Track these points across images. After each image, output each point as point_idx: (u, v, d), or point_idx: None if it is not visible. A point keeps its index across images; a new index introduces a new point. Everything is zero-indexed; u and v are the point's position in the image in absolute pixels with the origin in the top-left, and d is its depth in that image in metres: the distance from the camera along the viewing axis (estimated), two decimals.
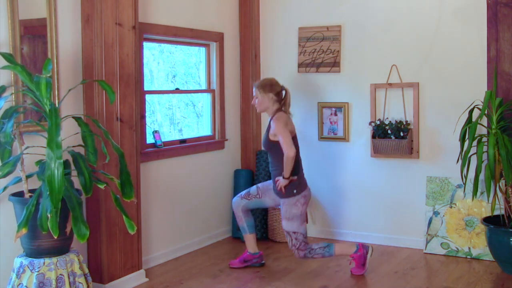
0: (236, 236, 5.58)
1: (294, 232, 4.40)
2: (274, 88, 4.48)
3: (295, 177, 4.37)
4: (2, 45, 3.58)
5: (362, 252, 4.50)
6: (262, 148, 4.65)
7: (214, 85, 5.55)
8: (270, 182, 4.64)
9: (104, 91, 3.90)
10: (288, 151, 4.23)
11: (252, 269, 4.70)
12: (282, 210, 4.46)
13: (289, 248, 4.49)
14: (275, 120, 4.39)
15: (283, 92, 4.52)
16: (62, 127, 3.44)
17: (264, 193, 4.65)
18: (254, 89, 4.54)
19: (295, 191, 4.38)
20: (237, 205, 4.71)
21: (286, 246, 5.31)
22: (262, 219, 5.53)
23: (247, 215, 4.72)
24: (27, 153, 3.54)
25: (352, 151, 5.43)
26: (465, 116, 4.69)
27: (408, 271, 4.61)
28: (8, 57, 3.39)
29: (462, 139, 4.58)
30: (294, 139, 4.42)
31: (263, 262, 4.80)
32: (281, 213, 4.47)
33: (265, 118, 5.78)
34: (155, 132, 4.88)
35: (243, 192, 4.75)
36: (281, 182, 4.35)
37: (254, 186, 4.73)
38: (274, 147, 4.39)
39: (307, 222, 5.54)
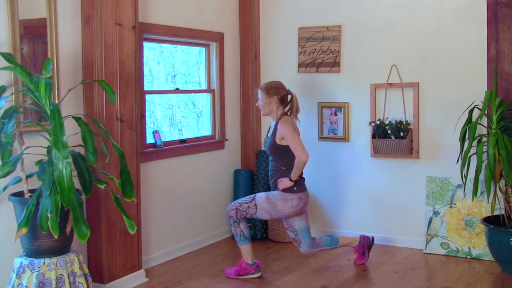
0: None
1: (255, 205, 4.35)
2: (279, 92, 4.44)
3: (298, 178, 4.37)
4: (2, 45, 3.58)
5: (247, 268, 4.48)
6: (265, 150, 4.56)
7: (214, 85, 5.55)
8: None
9: (104, 91, 3.90)
10: (302, 156, 4.22)
11: None
12: (272, 193, 4.40)
13: (233, 203, 4.45)
14: (283, 124, 4.33)
15: (289, 97, 4.49)
16: None
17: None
18: (259, 92, 4.50)
19: (295, 188, 4.36)
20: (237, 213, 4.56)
21: (286, 246, 5.31)
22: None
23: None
24: (27, 153, 3.54)
25: (352, 151, 5.43)
26: (465, 116, 4.69)
27: (408, 271, 4.61)
28: (8, 57, 3.39)
29: (462, 139, 4.58)
30: None
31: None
32: (264, 193, 4.42)
33: (265, 118, 5.79)
34: (155, 132, 4.88)
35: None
36: (286, 183, 4.34)
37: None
38: (282, 151, 4.36)
39: None
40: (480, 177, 4.58)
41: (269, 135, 4.51)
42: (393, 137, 5.04)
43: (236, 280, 4.46)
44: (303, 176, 4.46)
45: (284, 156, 4.36)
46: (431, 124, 5.08)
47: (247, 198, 4.45)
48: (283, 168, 4.39)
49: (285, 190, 4.36)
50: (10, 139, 3.32)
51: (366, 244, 4.77)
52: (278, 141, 4.36)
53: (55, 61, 3.89)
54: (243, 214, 4.40)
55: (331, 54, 5.44)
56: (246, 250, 4.48)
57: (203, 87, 5.58)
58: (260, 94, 4.48)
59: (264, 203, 4.38)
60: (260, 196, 4.43)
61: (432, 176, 5.08)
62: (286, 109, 4.49)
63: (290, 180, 4.32)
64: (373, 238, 4.84)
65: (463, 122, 4.68)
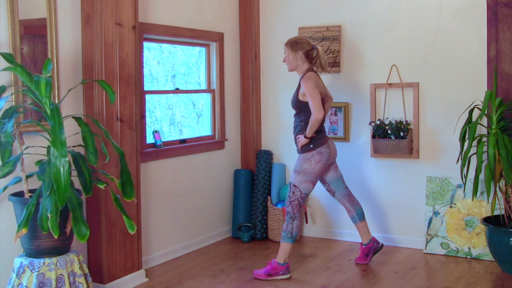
0: (236, 236, 5.59)
1: (295, 186, 4.43)
2: (304, 46, 4.45)
3: (315, 135, 4.40)
4: (2, 45, 3.58)
5: (277, 268, 4.47)
6: (291, 106, 4.60)
7: (214, 85, 5.55)
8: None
9: (104, 91, 3.90)
10: (317, 114, 4.25)
11: (251, 269, 4.70)
12: (295, 163, 4.50)
13: (286, 199, 4.50)
14: (305, 80, 4.35)
15: (314, 52, 4.49)
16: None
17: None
18: (284, 48, 4.52)
19: (311, 146, 4.40)
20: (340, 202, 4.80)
21: None
22: (262, 219, 5.53)
23: (352, 204, 4.78)
24: (27, 153, 3.54)
25: (352, 151, 5.43)
26: (465, 116, 4.69)
27: (408, 271, 4.61)
28: (8, 57, 3.39)
29: (462, 139, 4.58)
30: (323, 99, 4.42)
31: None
32: (294, 165, 4.50)
33: (265, 118, 5.79)
34: (155, 132, 4.88)
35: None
36: (302, 140, 4.39)
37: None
38: (303, 107, 4.41)
39: (306, 222, 5.55)
40: (480, 177, 4.58)
41: (294, 91, 4.54)
42: (393, 137, 5.04)
43: (236, 280, 4.46)
44: (325, 133, 4.50)
45: (304, 112, 4.41)
46: (431, 124, 5.08)
47: (288, 192, 4.50)
48: (302, 123, 4.44)
49: (304, 149, 4.42)
50: (10, 139, 3.32)
51: (373, 247, 4.75)
52: (300, 97, 4.41)
53: (55, 61, 3.89)
54: (295, 203, 4.43)
55: (331, 54, 5.44)
56: (285, 248, 4.46)
57: (203, 87, 5.58)
58: (285, 50, 4.50)
59: (298, 178, 4.43)
60: (292, 176, 4.48)
61: (432, 176, 5.08)
62: (311, 64, 4.48)
63: (305, 137, 4.37)
64: (382, 245, 4.80)
65: (463, 122, 4.68)
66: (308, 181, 4.45)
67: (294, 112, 4.57)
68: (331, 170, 4.66)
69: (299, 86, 4.44)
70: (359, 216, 4.75)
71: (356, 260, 4.81)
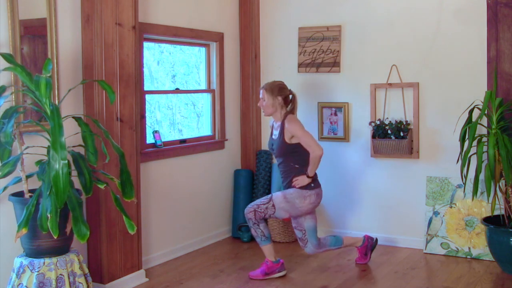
0: (236, 236, 5.59)
1: (273, 206, 4.33)
2: (283, 92, 4.46)
3: (314, 176, 4.39)
4: (2, 45, 3.58)
5: (273, 266, 4.48)
6: (272, 153, 4.54)
7: (214, 85, 5.55)
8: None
9: (104, 91, 3.90)
10: (317, 150, 4.25)
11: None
12: (289, 191, 4.37)
13: (251, 204, 4.42)
14: (291, 123, 4.34)
15: (290, 96, 4.50)
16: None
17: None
18: (261, 92, 4.49)
19: (312, 185, 4.38)
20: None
21: (286, 246, 5.31)
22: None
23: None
24: (27, 153, 3.54)
25: (352, 151, 5.43)
26: (465, 116, 4.69)
27: (408, 271, 4.61)
28: (8, 57, 3.39)
29: (462, 139, 4.58)
30: None
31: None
32: (280, 193, 4.38)
33: (265, 118, 5.78)
34: (155, 132, 4.88)
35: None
36: (302, 180, 4.33)
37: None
38: (293, 150, 4.36)
39: None
40: (480, 177, 4.58)
41: (274, 137, 4.48)
42: (393, 137, 5.04)
43: (236, 280, 4.46)
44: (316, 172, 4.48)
45: (296, 154, 4.36)
46: (431, 124, 5.08)
47: (264, 199, 4.44)
48: (297, 166, 4.38)
49: (302, 187, 4.37)
50: (9, 139, 3.32)
51: (369, 245, 4.77)
52: (288, 140, 4.36)
53: (55, 61, 3.89)
54: (261, 215, 4.40)
55: (331, 54, 5.44)
56: (268, 249, 4.48)
57: (203, 87, 5.58)
58: (262, 94, 4.47)
59: (282, 203, 4.37)
60: (277, 195, 4.41)
61: (432, 176, 5.08)
62: (288, 109, 4.49)
63: (308, 177, 4.33)
64: (376, 240, 4.83)
65: (463, 122, 4.68)
66: (289, 212, 4.39)
67: None
68: (313, 216, 4.50)
69: (282, 131, 4.37)
70: (339, 242, 4.64)
71: (357, 260, 4.81)
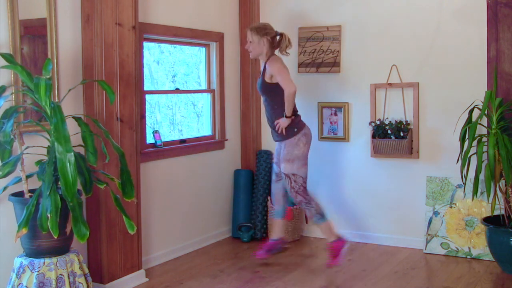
0: (236, 236, 5.59)
1: (294, 174, 4.42)
2: (269, 32, 4.53)
3: (293, 116, 4.39)
4: (2, 45, 3.58)
5: (338, 244, 4.52)
6: (258, 91, 4.67)
7: (214, 85, 5.55)
8: (277, 148, 4.66)
9: (104, 91, 3.90)
10: (289, 87, 4.27)
11: (252, 269, 4.70)
12: (283, 152, 4.47)
13: (289, 191, 4.49)
14: (271, 62, 4.41)
15: (277, 38, 4.55)
16: None
17: (279, 160, 4.65)
18: (248, 33, 4.56)
19: (295, 129, 4.42)
20: (278, 191, 4.74)
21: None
22: (262, 219, 5.53)
23: (285, 200, 4.75)
24: (27, 153, 3.54)
25: (352, 151, 5.43)
26: (465, 116, 4.69)
27: (408, 271, 4.61)
28: (8, 57, 3.40)
29: (462, 139, 4.58)
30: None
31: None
32: (282, 155, 4.47)
33: (265, 118, 5.78)
34: (155, 132, 4.88)
35: (272, 176, 4.80)
36: (283, 122, 4.39)
37: (273, 164, 4.78)
38: (272, 89, 4.42)
39: (306, 222, 5.55)
40: (480, 177, 4.58)
41: (260, 77, 4.59)
42: (393, 137, 5.04)
43: (236, 280, 4.46)
44: (298, 113, 4.51)
45: (275, 94, 4.42)
46: (431, 124, 5.08)
47: (287, 181, 4.46)
48: (276, 106, 4.44)
49: (288, 134, 4.40)
50: (9, 139, 3.32)
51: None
52: (268, 80, 4.44)
53: (55, 61, 3.89)
54: (302, 189, 4.42)
55: (331, 54, 5.44)
56: (327, 227, 4.54)
57: (203, 87, 5.58)
58: (249, 36, 4.53)
59: (293, 165, 4.42)
60: (285, 167, 4.44)
61: (432, 176, 5.08)
62: (276, 50, 4.56)
63: (286, 117, 4.36)
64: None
65: (463, 122, 4.68)
66: (304, 164, 4.46)
67: None
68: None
69: (264, 70, 4.48)
70: (282, 213, 4.80)
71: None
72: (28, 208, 3.25)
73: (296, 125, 4.41)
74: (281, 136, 4.45)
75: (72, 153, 3.14)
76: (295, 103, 4.49)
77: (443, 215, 5.01)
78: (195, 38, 5.26)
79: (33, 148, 3.58)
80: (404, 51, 5.16)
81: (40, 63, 3.80)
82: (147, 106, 4.92)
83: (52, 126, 3.20)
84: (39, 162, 3.50)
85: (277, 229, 4.86)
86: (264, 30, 4.51)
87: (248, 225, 5.51)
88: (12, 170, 3.39)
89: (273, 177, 4.86)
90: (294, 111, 4.43)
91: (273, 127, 4.54)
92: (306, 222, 5.55)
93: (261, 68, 4.58)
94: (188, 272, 4.65)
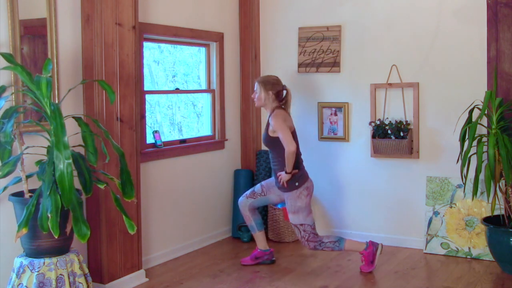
0: (236, 236, 5.58)
1: (301, 225, 4.49)
2: (275, 87, 4.56)
3: (297, 171, 4.44)
4: (2, 45, 3.58)
5: (371, 249, 4.57)
6: (263, 144, 4.69)
7: (214, 85, 5.55)
8: (272, 179, 4.71)
9: (104, 91, 3.90)
10: (289, 147, 4.33)
11: (252, 269, 4.71)
12: (287, 204, 4.54)
13: (300, 240, 4.56)
14: (273, 117, 4.47)
15: (284, 92, 4.59)
16: None
17: (268, 190, 4.71)
18: (256, 84, 4.60)
19: (297, 183, 4.46)
20: (243, 205, 4.76)
21: (286, 246, 5.32)
22: (262, 219, 5.52)
23: (254, 214, 4.77)
24: (27, 153, 3.54)
25: (352, 151, 5.43)
26: (465, 116, 4.69)
27: (408, 271, 4.61)
28: (8, 57, 3.39)
29: (462, 139, 4.58)
30: (293, 134, 4.50)
31: (273, 259, 4.84)
32: (287, 207, 4.55)
33: (264, 118, 5.78)
34: (155, 132, 4.88)
35: (248, 192, 4.81)
36: (284, 176, 4.44)
37: (258, 185, 4.79)
38: (275, 143, 4.48)
39: None
40: (480, 177, 4.58)
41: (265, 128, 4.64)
42: (393, 137, 5.04)
43: (236, 280, 4.46)
44: (303, 165, 4.56)
45: (278, 148, 4.47)
46: (431, 124, 5.08)
47: (296, 231, 4.53)
48: (279, 159, 4.50)
49: (290, 187, 4.45)
50: (9, 139, 3.32)
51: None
52: (271, 134, 4.50)
53: (55, 61, 3.89)
54: (312, 236, 4.50)
55: (331, 54, 5.44)
56: (351, 246, 4.58)
57: (203, 87, 5.58)
58: (256, 87, 4.59)
59: (299, 216, 4.48)
60: (293, 218, 4.50)
61: (432, 176, 5.08)
62: (281, 104, 4.58)
63: (286, 172, 4.42)
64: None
65: (463, 122, 4.68)
66: (309, 212, 4.51)
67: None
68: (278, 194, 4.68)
69: (268, 123, 4.53)
70: (259, 226, 4.81)
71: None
72: (28, 208, 3.25)
73: (298, 179, 4.47)
74: (282, 188, 4.50)
75: (70, 161, 3.16)
76: (297, 159, 4.48)
77: (443, 215, 5.00)
78: (195, 38, 5.26)
79: (33, 148, 3.58)
80: (404, 51, 5.16)
81: (40, 63, 3.80)
82: (147, 106, 4.92)
83: (52, 131, 3.21)
84: (39, 162, 3.50)
85: (261, 241, 4.80)
86: (270, 85, 4.54)
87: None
88: (12, 170, 3.39)
89: (247, 192, 4.81)
90: (297, 164, 4.46)
91: (275, 177, 4.60)
92: None
93: (267, 120, 4.60)
94: (188, 272, 4.65)
